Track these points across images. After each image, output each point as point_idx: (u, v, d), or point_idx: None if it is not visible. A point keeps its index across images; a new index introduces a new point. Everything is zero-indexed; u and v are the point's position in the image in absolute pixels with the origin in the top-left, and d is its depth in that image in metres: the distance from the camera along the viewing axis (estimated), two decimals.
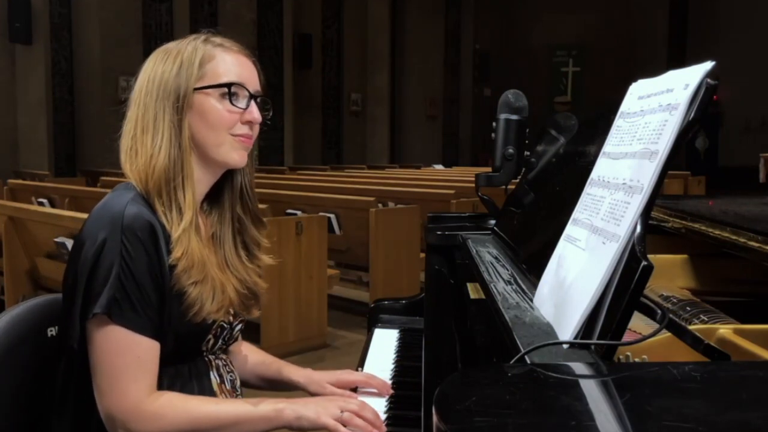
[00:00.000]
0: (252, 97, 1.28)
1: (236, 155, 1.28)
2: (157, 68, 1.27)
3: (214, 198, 1.35)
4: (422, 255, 4.65)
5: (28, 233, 4.22)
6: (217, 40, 1.30)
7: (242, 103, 1.27)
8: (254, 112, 1.28)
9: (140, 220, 1.17)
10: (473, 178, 1.92)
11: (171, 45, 1.31)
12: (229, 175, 1.35)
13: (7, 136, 9.86)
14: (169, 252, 1.18)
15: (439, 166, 12.67)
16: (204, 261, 1.23)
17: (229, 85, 1.25)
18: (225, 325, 1.31)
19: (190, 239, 1.20)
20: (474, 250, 1.49)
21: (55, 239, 3.77)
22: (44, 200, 6.09)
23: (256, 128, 1.31)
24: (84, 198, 5.53)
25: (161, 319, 1.18)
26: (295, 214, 4.85)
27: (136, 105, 1.27)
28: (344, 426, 1.17)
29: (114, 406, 1.14)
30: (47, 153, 9.87)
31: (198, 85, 1.25)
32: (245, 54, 1.32)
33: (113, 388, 1.14)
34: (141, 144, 1.25)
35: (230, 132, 1.26)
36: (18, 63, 9.84)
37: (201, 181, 1.29)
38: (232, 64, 1.28)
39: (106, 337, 1.14)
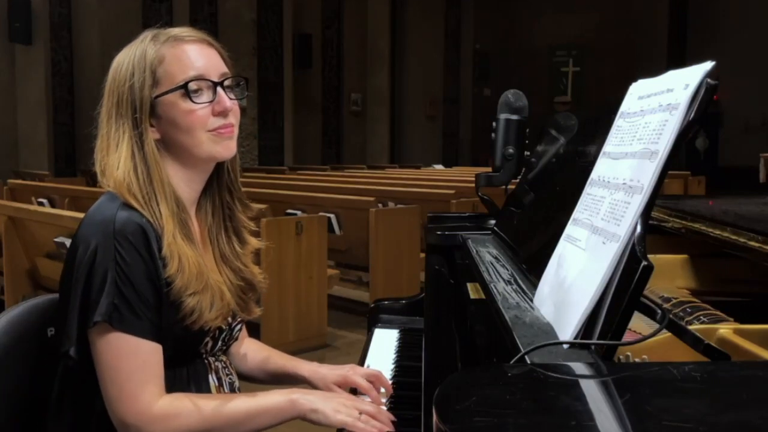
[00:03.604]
0: (217, 84, 1.22)
1: (220, 148, 1.24)
2: (114, 81, 1.23)
3: (203, 190, 1.32)
4: (422, 255, 4.65)
5: (28, 233, 4.22)
6: (166, 33, 1.23)
7: (207, 97, 1.21)
8: (224, 101, 1.22)
9: (131, 225, 1.15)
10: (473, 178, 1.92)
11: (123, 52, 1.25)
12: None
13: (7, 136, 9.86)
14: (162, 255, 1.16)
15: (439, 166, 12.66)
16: (201, 270, 1.20)
17: (185, 84, 1.20)
18: (224, 327, 1.30)
19: (180, 249, 1.18)
20: (474, 250, 1.49)
21: (55, 239, 3.77)
22: (44, 200, 6.09)
23: (235, 112, 1.25)
24: (84, 198, 5.52)
25: (161, 321, 1.17)
26: (295, 214, 4.85)
27: (101, 125, 1.25)
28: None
29: (126, 412, 1.13)
30: (47, 153, 9.87)
31: (156, 93, 1.20)
32: (198, 39, 1.24)
33: (122, 395, 1.13)
34: (107, 165, 1.22)
35: (206, 129, 1.22)
36: (18, 63, 9.84)
37: (193, 179, 1.27)
38: (186, 58, 1.21)
39: (109, 344, 1.13)
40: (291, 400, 1.17)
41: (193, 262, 1.19)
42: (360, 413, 1.17)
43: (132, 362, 1.13)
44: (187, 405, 1.16)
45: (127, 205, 1.18)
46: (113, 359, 1.13)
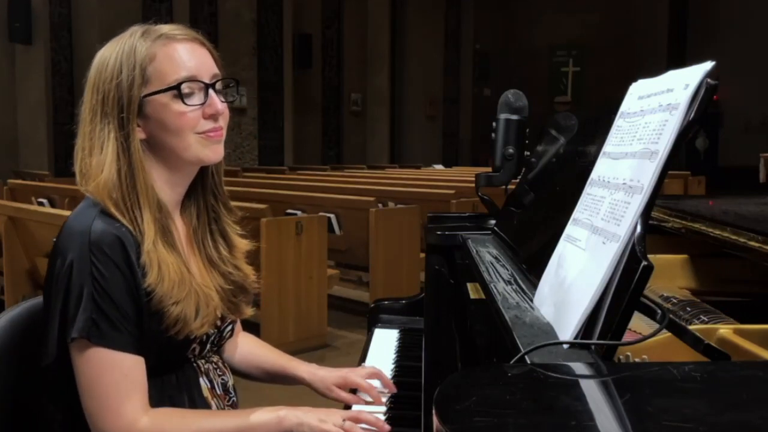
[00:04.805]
0: (209, 86, 1.19)
1: (208, 152, 1.20)
2: (99, 77, 1.17)
3: (187, 192, 1.29)
4: (422, 255, 4.65)
5: (28, 233, 4.22)
6: (157, 30, 1.19)
7: (199, 99, 1.18)
8: (215, 104, 1.19)
9: (108, 236, 1.11)
10: (473, 178, 1.92)
11: (108, 46, 1.20)
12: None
13: (7, 136, 9.85)
14: (141, 263, 1.13)
15: (439, 166, 12.66)
16: (183, 278, 1.16)
17: (178, 86, 1.16)
18: (211, 332, 1.26)
19: (160, 257, 1.14)
20: (474, 250, 1.49)
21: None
22: (44, 200, 6.08)
23: (225, 116, 1.22)
24: (84, 198, 5.51)
25: (142, 333, 1.13)
26: (295, 214, 4.85)
27: (83, 123, 1.19)
28: None
29: (108, 428, 1.10)
30: (47, 153, 9.86)
31: (145, 92, 1.15)
32: (190, 38, 1.20)
33: (104, 410, 1.10)
34: (88, 167, 1.18)
35: (195, 131, 1.18)
36: (18, 63, 9.84)
37: (177, 183, 1.24)
38: (178, 58, 1.17)
39: (88, 359, 1.10)
40: (279, 417, 1.16)
41: (174, 270, 1.15)
42: (344, 420, 1.16)
43: (113, 376, 1.10)
44: (172, 421, 1.13)
45: (106, 213, 1.14)
46: (94, 374, 1.10)
